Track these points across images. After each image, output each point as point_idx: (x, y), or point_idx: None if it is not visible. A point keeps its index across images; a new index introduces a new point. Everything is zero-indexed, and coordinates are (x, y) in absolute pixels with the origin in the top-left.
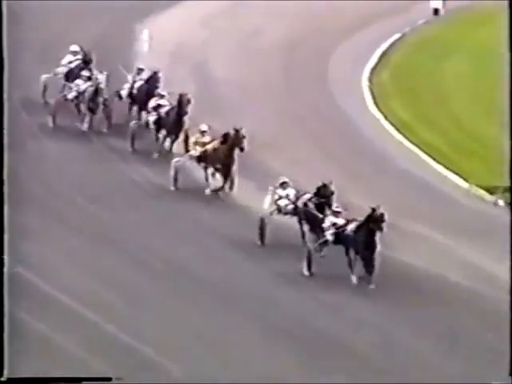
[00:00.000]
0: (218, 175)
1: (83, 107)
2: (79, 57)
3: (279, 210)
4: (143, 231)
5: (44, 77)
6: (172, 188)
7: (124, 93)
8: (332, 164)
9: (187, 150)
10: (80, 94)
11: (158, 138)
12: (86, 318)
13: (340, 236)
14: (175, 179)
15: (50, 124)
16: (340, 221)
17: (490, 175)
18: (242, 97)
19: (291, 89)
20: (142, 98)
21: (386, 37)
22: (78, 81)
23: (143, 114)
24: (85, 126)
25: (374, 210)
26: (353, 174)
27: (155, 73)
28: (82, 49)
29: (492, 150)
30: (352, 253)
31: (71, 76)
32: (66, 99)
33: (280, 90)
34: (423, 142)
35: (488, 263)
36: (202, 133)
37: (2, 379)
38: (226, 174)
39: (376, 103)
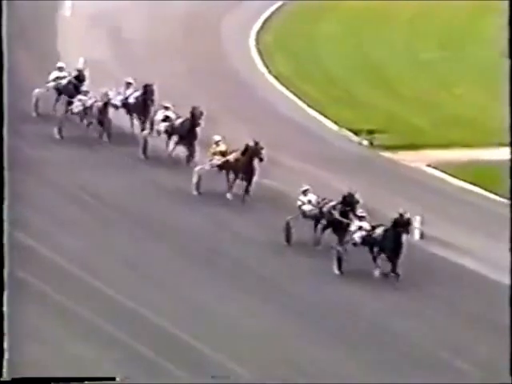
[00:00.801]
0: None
1: (89, 120)
2: (66, 73)
3: (304, 214)
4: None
5: (36, 91)
6: (195, 192)
7: (119, 104)
8: (224, 108)
9: (190, 157)
10: (87, 108)
11: (168, 146)
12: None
13: (367, 239)
14: (197, 185)
15: (57, 136)
16: (365, 224)
17: (356, 120)
18: (151, 56)
19: (192, 49)
20: (137, 108)
21: (268, 5)
22: (81, 96)
23: (146, 124)
24: (98, 137)
25: (401, 215)
26: (241, 117)
27: (149, 85)
28: (79, 70)
29: (358, 98)
30: (376, 252)
31: (65, 91)
32: (73, 113)
33: (182, 50)
34: (301, 91)
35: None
36: (217, 142)
37: (5, 379)
38: (248, 181)
39: (261, 60)
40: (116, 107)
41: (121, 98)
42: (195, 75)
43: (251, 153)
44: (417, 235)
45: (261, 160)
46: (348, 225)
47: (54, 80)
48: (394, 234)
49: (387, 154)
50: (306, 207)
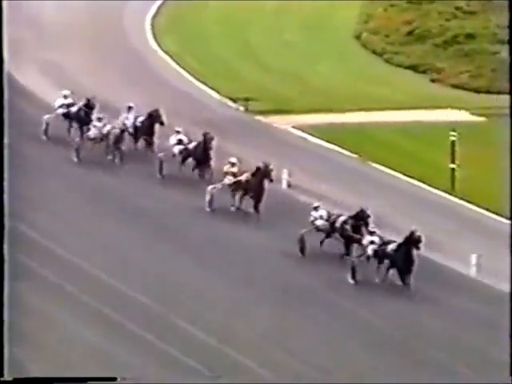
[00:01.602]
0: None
1: (108, 146)
2: (71, 100)
3: (317, 228)
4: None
5: (46, 117)
6: (208, 209)
7: (131, 130)
8: (123, 80)
9: (206, 176)
10: (104, 135)
11: (181, 167)
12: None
13: (380, 252)
14: (210, 202)
15: (75, 159)
16: (376, 239)
17: (234, 90)
18: (67, 37)
19: (96, 32)
20: (145, 131)
21: None
22: (96, 122)
23: (155, 146)
24: (116, 161)
25: (412, 232)
26: (136, 87)
27: (156, 111)
28: (89, 99)
29: (236, 72)
30: (385, 265)
31: (76, 118)
32: (90, 138)
33: (88, 33)
34: (188, 66)
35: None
36: (232, 164)
37: (7, 379)
38: (258, 201)
39: (155, 40)
40: (129, 133)
41: (131, 123)
42: (99, 53)
43: (262, 174)
44: (284, 185)
45: (271, 181)
46: (359, 239)
47: (61, 106)
48: (406, 250)
49: (260, 118)
50: (319, 222)
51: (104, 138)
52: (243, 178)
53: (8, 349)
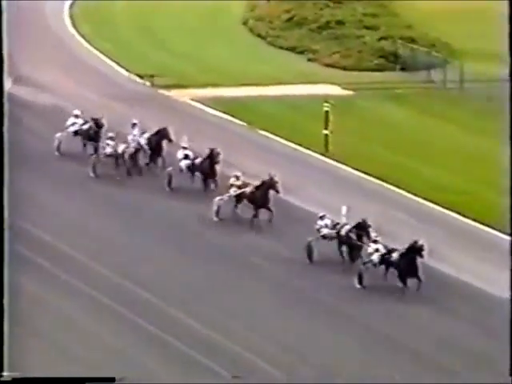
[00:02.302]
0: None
1: (123, 163)
2: (81, 120)
3: (323, 237)
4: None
5: (58, 135)
6: (215, 219)
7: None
8: (45, 59)
9: (211, 187)
10: (119, 153)
11: (192, 180)
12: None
13: (385, 260)
14: (217, 212)
15: (91, 174)
16: (380, 246)
17: (142, 67)
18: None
19: (23, 18)
20: (153, 147)
21: None
22: (109, 141)
23: (159, 160)
24: (127, 174)
25: (415, 241)
26: (56, 64)
27: (164, 129)
28: (96, 119)
29: (142, 53)
30: (392, 272)
31: (85, 135)
32: (106, 155)
33: (15, 18)
34: (101, 48)
35: None
36: (237, 177)
37: (6, 379)
38: (263, 208)
39: (73, 25)
40: (144, 151)
41: (144, 141)
42: (23, 36)
43: (268, 186)
44: (180, 155)
45: (277, 192)
46: (362, 246)
47: (73, 125)
48: (409, 258)
49: (163, 92)
50: (325, 230)
51: (119, 155)
52: (248, 189)
53: (8, 333)
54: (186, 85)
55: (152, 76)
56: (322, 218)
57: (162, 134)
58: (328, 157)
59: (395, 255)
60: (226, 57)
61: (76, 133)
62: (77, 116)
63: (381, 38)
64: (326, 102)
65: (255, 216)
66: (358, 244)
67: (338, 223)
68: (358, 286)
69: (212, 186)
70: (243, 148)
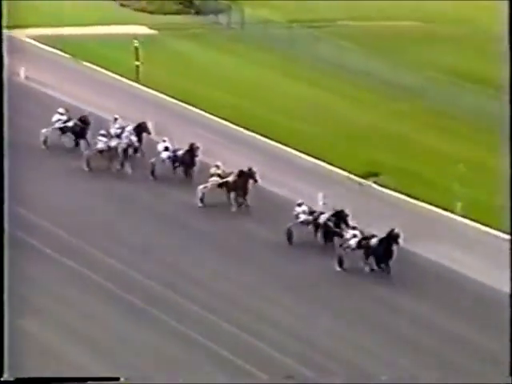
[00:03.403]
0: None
1: (117, 157)
2: (65, 117)
3: (302, 222)
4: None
5: (44, 130)
6: (200, 205)
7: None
8: None
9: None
10: (111, 148)
11: (174, 170)
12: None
13: (363, 245)
14: (202, 199)
15: (85, 168)
16: (357, 232)
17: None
18: None
19: None
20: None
21: None
22: (101, 137)
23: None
24: (129, 171)
25: (392, 230)
26: None
27: (143, 123)
28: (84, 117)
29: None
30: (370, 257)
31: (71, 131)
32: (99, 151)
33: None
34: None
35: None
36: (217, 167)
37: (8, 379)
38: (244, 196)
39: None
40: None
41: (135, 139)
42: None
43: (247, 176)
44: (22, 75)
45: (256, 181)
46: (339, 233)
47: (58, 121)
48: (386, 244)
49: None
50: (303, 216)
51: (112, 150)
52: (230, 179)
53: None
54: (24, 25)
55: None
56: (299, 205)
57: (141, 128)
58: (139, 83)
59: (373, 241)
60: (57, 4)
61: (62, 129)
62: (61, 113)
63: None
64: (136, 39)
65: (244, 203)
66: (335, 231)
67: (314, 211)
68: (339, 268)
69: (191, 174)
70: (71, 76)
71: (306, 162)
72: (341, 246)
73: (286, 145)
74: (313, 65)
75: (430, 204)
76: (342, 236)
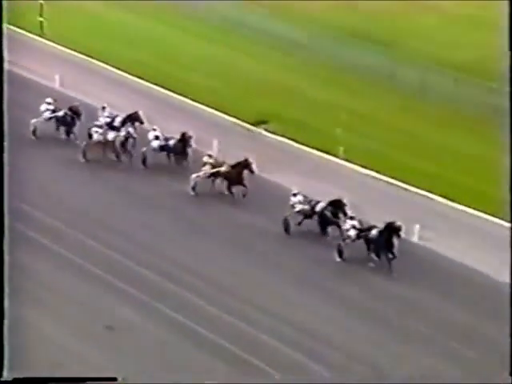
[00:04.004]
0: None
1: (116, 149)
2: (52, 107)
3: (298, 212)
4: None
5: (34, 120)
6: (192, 193)
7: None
8: None
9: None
10: (108, 141)
11: (168, 159)
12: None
13: (363, 236)
14: (194, 188)
15: (81, 159)
16: (356, 223)
17: None
18: None
19: None
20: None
21: None
22: (97, 128)
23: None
24: (126, 161)
25: (392, 222)
26: None
27: (135, 113)
28: (75, 105)
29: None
30: (372, 248)
31: (62, 122)
32: (96, 143)
33: None
34: None
35: None
36: (210, 156)
37: (7, 379)
38: (239, 185)
39: None
40: (133, 138)
41: (133, 130)
42: None
43: (243, 166)
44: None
45: (252, 172)
46: (337, 222)
47: (46, 111)
48: (387, 235)
49: None
50: (299, 206)
51: (109, 142)
52: (223, 168)
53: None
54: None
55: None
56: (295, 195)
57: (133, 117)
58: (43, 37)
59: (373, 232)
60: None
61: (52, 119)
62: (49, 103)
63: None
64: None
65: (231, 192)
66: (333, 220)
67: (311, 200)
68: (339, 259)
69: (184, 163)
70: None
71: (203, 111)
72: (340, 236)
73: (184, 96)
74: (213, 23)
75: (315, 148)
76: (339, 226)
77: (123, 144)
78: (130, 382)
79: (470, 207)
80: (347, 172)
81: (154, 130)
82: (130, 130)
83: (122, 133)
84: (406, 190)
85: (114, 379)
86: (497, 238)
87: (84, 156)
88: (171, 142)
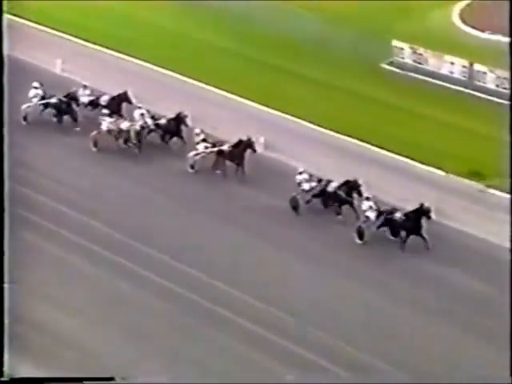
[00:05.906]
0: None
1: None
2: (40, 91)
3: (306, 191)
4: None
5: (25, 106)
6: (191, 171)
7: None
8: None
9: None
10: (122, 130)
11: (162, 139)
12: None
13: (386, 219)
14: (192, 165)
15: (93, 148)
16: (372, 204)
17: None
18: None
19: None
20: (113, 108)
21: None
22: (106, 117)
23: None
24: (137, 151)
25: (422, 204)
26: None
27: (125, 92)
28: (72, 92)
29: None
30: (400, 232)
31: (55, 107)
32: (107, 132)
33: None
34: None
35: None
36: (197, 134)
37: (5, 379)
38: (239, 165)
39: None
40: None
41: (151, 121)
42: None
43: (245, 145)
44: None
45: (254, 151)
46: (352, 202)
47: (35, 96)
48: (415, 217)
49: None
50: (306, 185)
51: (123, 132)
52: (225, 147)
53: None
54: None
55: None
56: (301, 173)
57: (122, 97)
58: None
59: (398, 215)
60: None
61: (46, 105)
62: (36, 88)
63: None
64: None
65: (242, 172)
66: (347, 200)
67: (321, 179)
68: (359, 241)
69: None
70: None
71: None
72: (359, 219)
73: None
74: None
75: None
76: (352, 205)
77: (138, 133)
78: (129, 381)
79: None
80: None
81: (140, 107)
82: (148, 120)
83: (139, 122)
84: None
85: (112, 379)
86: None
87: (95, 145)
88: (162, 122)
